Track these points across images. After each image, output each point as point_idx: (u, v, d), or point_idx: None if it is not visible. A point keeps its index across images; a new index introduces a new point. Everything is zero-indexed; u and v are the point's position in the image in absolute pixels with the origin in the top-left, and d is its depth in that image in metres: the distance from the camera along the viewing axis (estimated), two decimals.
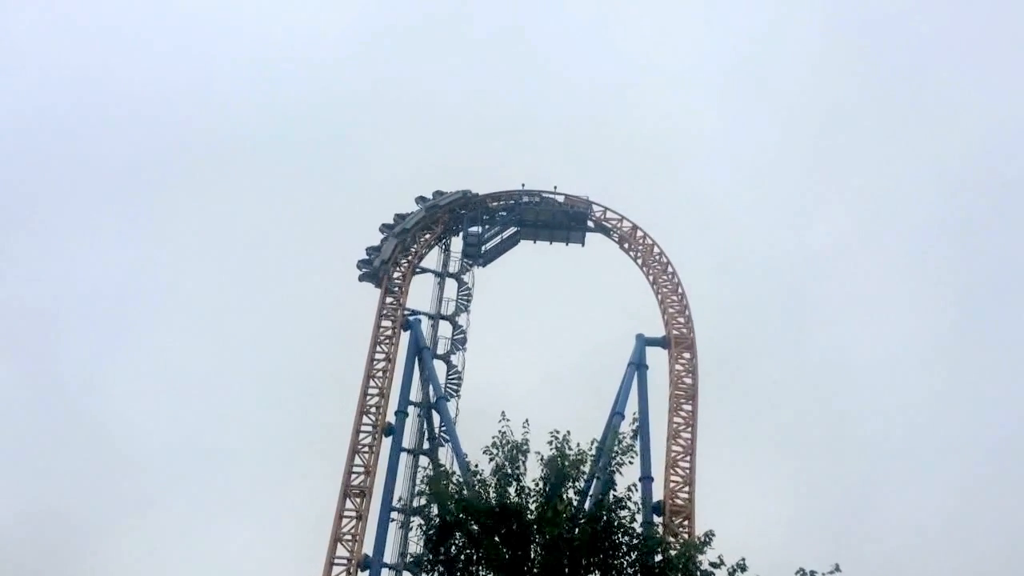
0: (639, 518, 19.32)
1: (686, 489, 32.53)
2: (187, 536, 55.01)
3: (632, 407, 32.65)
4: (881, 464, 56.72)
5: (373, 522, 32.63)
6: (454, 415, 36.41)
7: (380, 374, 35.65)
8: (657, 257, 39.61)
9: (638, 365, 35.48)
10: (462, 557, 19.02)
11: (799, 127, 76.17)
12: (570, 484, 19.19)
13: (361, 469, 33.34)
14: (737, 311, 63.01)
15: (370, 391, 35.18)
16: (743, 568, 18.24)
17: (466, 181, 42.49)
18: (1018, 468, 53.47)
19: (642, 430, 31.12)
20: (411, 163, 61.48)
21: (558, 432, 19.54)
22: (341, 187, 71.93)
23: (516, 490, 19.09)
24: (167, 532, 54.56)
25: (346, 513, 32.41)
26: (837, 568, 18.09)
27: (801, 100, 75.75)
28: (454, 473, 24.53)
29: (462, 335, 38.91)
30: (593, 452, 19.73)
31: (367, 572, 31.81)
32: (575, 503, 19.27)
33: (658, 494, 32.35)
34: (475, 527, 18.83)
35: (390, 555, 33.15)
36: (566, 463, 19.17)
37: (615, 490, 19.14)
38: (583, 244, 41.73)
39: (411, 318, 37.70)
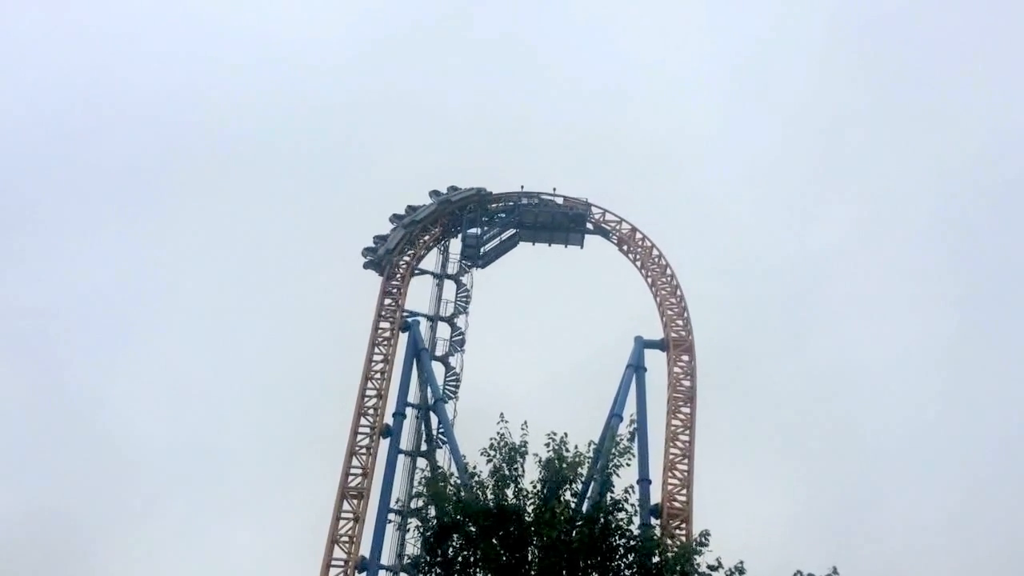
0: (637, 520, 19.27)
1: (684, 492, 32.51)
2: (186, 537, 55.12)
3: (630, 409, 32.62)
4: (882, 466, 56.75)
5: (371, 524, 32.65)
6: (452, 417, 36.39)
7: (378, 375, 35.66)
8: (656, 259, 39.59)
9: (636, 367, 35.48)
10: (460, 559, 18.96)
11: (801, 129, 76.33)
12: (568, 486, 19.15)
13: (359, 471, 33.33)
14: (738, 313, 63.09)
15: (368, 392, 35.18)
16: (741, 571, 18.21)
17: (468, 183, 42.47)
18: (1020, 469, 53.46)
19: (640, 432, 31.11)
20: (411, 166, 61.59)
21: (556, 434, 19.53)
22: (341, 189, 72.08)
23: (514, 492, 19.03)
24: (166, 533, 54.69)
25: (344, 515, 32.40)
26: (835, 571, 18.08)
27: (803, 102, 75.89)
28: (452, 475, 24.49)
29: (460, 337, 38.90)
30: (591, 454, 19.70)
31: (364, 574, 31.83)
32: (573, 505, 19.24)
33: (656, 496, 32.34)
34: (473, 529, 18.77)
35: (387, 557, 33.15)
36: (564, 465, 19.14)
37: (613, 492, 19.09)
38: (582, 246, 41.72)
39: (410, 319, 37.70)
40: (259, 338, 64.53)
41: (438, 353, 38.21)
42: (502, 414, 19.79)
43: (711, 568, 18.27)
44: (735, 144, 74.73)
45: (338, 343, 44.94)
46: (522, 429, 19.65)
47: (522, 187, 42.22)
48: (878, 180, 72.38)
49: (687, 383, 35.28)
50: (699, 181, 70.97)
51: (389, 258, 39.15)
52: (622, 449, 19.69)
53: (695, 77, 79.15)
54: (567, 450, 19.36)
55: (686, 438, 33.78)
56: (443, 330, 38.92)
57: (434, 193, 41.56)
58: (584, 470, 19.50)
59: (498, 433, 19.61)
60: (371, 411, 34.76)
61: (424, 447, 36.49)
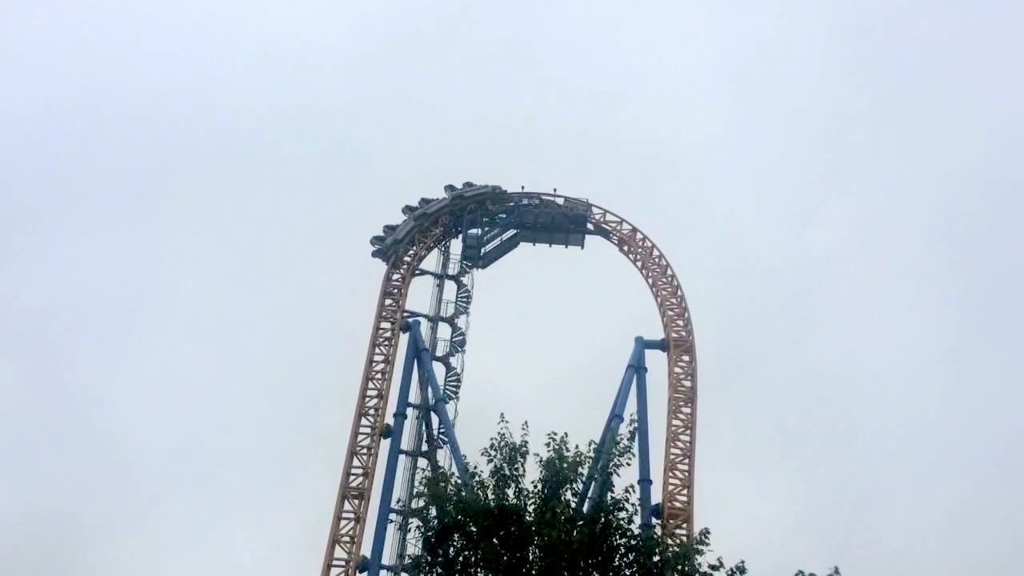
0: (637, 519, 19.28)
1: (685, 492, 32.53)
2: (186, 537, 55.15)
3: (631, 410, 32.58)
4: (883, 466, 56.82)
5: (371, 524, 32.67)
6: (453, 417, 36.38)
7: (379, 376, 35.68)
8: (656, 260, 39.60)
9: (637, 368, 35.48)
10: (460, 559, 18.96)
11: (802, 130, 76.31)
12: (568, 486, 19.16)
13: (360, 471, 33.36)
14: (739, 314, 63.14)
15: (369, 393, 35.20)
16: (742, 570, 18.19)
17: (472, 182, 42.45)
18: (1020, 470, 53.42)
19: (641, 433, 31.12)
20: (412, 166, 61.73)
21: (556, 434, 19.54)
22: (342, 190, 72.08)
23: (514, 492, 19.04)
24: (167, 533, 54.73)
25: (344, 515, 32.43)
26: (836, 571, 18.06)
27: (804, 103, 75.88)
28: (453, 475, 24.51)
29: (461, 337, 38.90)
30: (591, 454, 19.72)
31: (365, 574, 31.87)
32: (573, 505, 19.25)
33: (657, 497, 32.36)
34: (473, 529, 18.78)
35: (388, 557, 33.16)
36: (564, 465, 19.16)
37: (613, 492, 19.11)
38: (582, 246, 41.73)
39: (410, 320, 37.72)
40: (260, 338, 64.63)
41: (439, 353, 38.22)
42: (502, 414, 19.84)
43: (712, 568, 18.26)
44: (736, 145, 74.85)
45: (339, 343, 45.04)
46: (523, 429, 19.68)
47: (522, 187, 42.27)
48: (879, 181, 72.49)
49: (688, 383, 35.29)
50: (700, 182, 71.09)
51: (396, 248, 39.30)
52: (622, 449, 19.73)
53: (696, 78, 79.25)
54: (568, 450, 19.38)
55: (687, 438, 33.79)
56: (444, 330, 38.96)
57: (449, 188, 41.63)
58: (585, 470, 19.51)
59: (499, 433, 19.64)
60: (372, 411, 34.79)
61: (425, 447, 36.50)
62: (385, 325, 37.18)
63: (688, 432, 33.94)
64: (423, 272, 39.90)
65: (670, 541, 20.07)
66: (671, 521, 31.25)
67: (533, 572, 18.18)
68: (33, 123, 68.90)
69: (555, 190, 42.02)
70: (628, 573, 18.49)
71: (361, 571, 31.72)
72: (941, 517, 53.33)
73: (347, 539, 31.96)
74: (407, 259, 39.39)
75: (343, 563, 31.55)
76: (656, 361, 36.19)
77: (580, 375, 50.49)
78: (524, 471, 19.31)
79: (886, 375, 61.15)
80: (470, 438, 29.48)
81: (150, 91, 71.16)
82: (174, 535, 54.88)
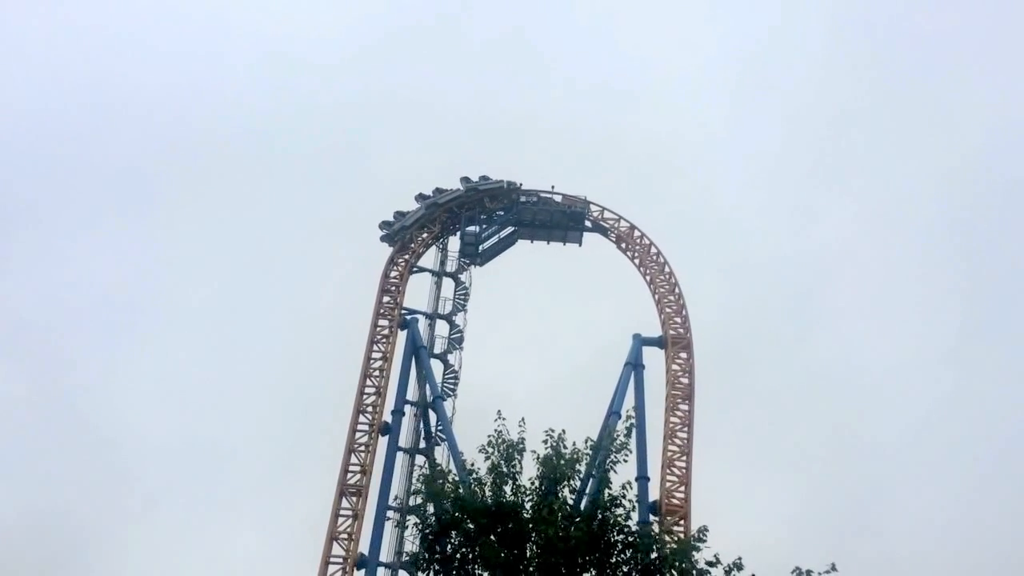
0: (635, 516, 19.30)
1: (682, 489, 32.55)
2: (186, 535, 55.22)
3: (629, 406, 32.48)
4: (883, 464, 56.77)
5: (369, 521, 32.68)
6: (450, 414, 36.42)
7: (377, 373, 35.68)
8: (654, 257, 39.59)
9: (635, 365, 35.48)
10: (458, 556, 18.98)
11: (803, 128, 76.43)
12: (566, 483, 19.18)
13: (357, 468, 33.38)
14: (740, 311, 63.32)
15: (367, 390, 35.21)
16: (739, 567, 18.21)
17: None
18: (1022, 469, 53.45)
19: (638, 430, 31.13)
20: (412, 164, 61.70)
21: (554, 431, 19.56)
22: (341, 187, 72.24)
23: (512, 489, 19.04)
24: (166, 531, 54.80)
25: (342, 512, 32.44)
26: (833, 568, 18.06)
27: (805, 101, 75.97)
28: (450, 472, 24.53)
29: (459, 334, 38.91)
30: (589, 451, 19.73)
31: (363, 571, 31.87)
32: (571, 502, 19.27)
33: (654, 494, 32.38)
34: (471, 526, 18.78)
35: (386, 554, 33.18)
36: (562, 462, 19.17)
37: (610, 488, 19.12)
38: (580, 244, 41.75)
39: (408, 317, 37.72)
40: (258, 336, 64.77)
41: (437, 351, 38.22)
42: (500, 411, 19.85)
43: (709, 564, 18.28)
44: (737, 142, 74.91)
45: (337, 341, 45.01)
46: (520, 426, 19.69)
47: (520, 185, 42.22)
48: (880, 178, 72.63)
49: (685, 380, 35.30)
50: (701, 179, 71.21)
51: (403, 233, 39.48)
52: (619, 445, 19.73)
53: (697, 76, 79.36)
54: (565, 447, 19.40)
55: (684, 435, 33.81)
56: (442, 328, 38.97)
57: (464, 180, 41.69)
58: (582, 467, 19.53)
59: (496, 430, 19.66)
60: (370, 408, 34.79)
61: (423, 444, 36.50)
62: (383, 322, 37.17)
63: (686, 429, 33.96)
64: (421, 269, 39.91)
65: (667, 538, 19.99)
66: (668, 518, 31.23)
67: (531, 569, 18.19)
68: (33, 121, 69.08)
69: (552, 187, 42.08)
70: (625, 570, 18.51)
71: (359, 568, 31.72)
72: (941, 515, 53.42)
73: (345, 536, 31.97)
74: (405, 257, 39.37)
75: (341, 560, 31.57)
76: (654, 358, 36.25)
77: (578, 372, 50.66)
78: (522, 468, 19.33)
79: (886, 372, 61.30)
80: (468, 435, 29.54)
81: (149, 89, 71.36)
82: (174, 533, 55.01)
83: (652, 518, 30.63)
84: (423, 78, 75.89)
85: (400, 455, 35.29)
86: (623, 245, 40.64)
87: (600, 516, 18.75)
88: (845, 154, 73.53)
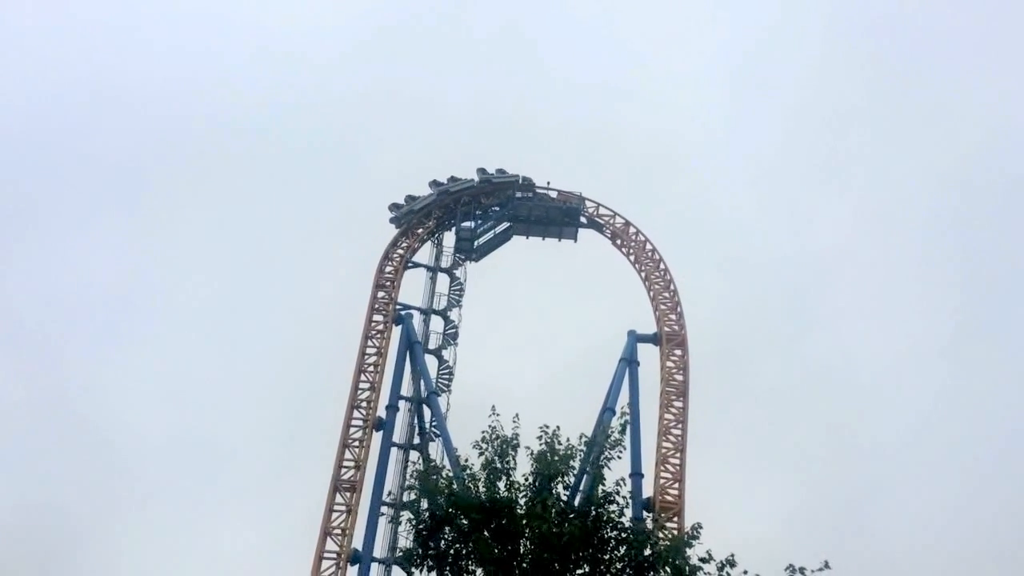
0: (628, 512, 19.31)
1: (676, 485, 32.56)
2: (180, 530, 55.09)
3: (623, 403, 32.52)
4: (879, 463, 56.71)
5: (363, 516, 32.67)
6: (445, 410, 36.42)
7: (371, 368, 35.66)
8: (649, 254, 39.61)
9: (629, 361, 35.48)
10: (452, 552, 19.01)
11: (802, 126, 76.33)
12: (560, 479, 19.19)
13: (352, 463, 33.36)
14: (737, 309, 63.30)
15: (361, 385, 35.20)
16: (732, 563, 18.25)
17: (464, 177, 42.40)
18: (1019, 468, 53.45)
19: (633, 426, 31.11)
20: (408, 160, 61.37)
21: (548, 427, 19.57)
22: (337, 184, 72.03)
23: (506, 485, 19.07)
24: (161, 527, 54.59)
25: (336, 507, 32.44)
26: (826, 565, 18.10)
27: (804, 100, 75.82)
28: (444, 468, 24.55)
29: (454, 330, 38.92)
30: (583, 447, 19.74)
31: (357, 566, 31.85)
32: (565, 498, 19.28)
33: (648, 490, 32.40)
34: (465, 522, 18.81)
35: (380, 549, 33.16)
36: (556, 458, 19.18)
37: (604, 485, 19.13)
38: (576, 240, 41.71)
39: (403, 312, 37.70)
40: (253, 331, 64.59)
41: (431, 346, 38.23)
42: (494, 407, 19.87)
43: (702, 561, 18.32)
44: (735, 140, 74.83)
45: (333, 336, 44.89)
46: (514, 422, 19.70)
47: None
48: (878, 177, 72.55)
49: (680, 377, 35.33)
50: (699, 177, 71.09)
51: (411, 218, 39.77)
52: (613, 442, 19.76)
53: (696, 74, 79.18)
54: (559, 443, 19.40)
55: (678, 432, 33.84)
56: (436, 323, 38.98)
57: (481, 171, 41.79)
58: (576, 463, 19.55)
59: (490, 426, 19.68)
60: (364, 404, 34.77)
61: (417, 440, 36.49)
62: (378, 318, 37.15)
63: (680, 426, 33.99)
64: (416, 265, 39.87)
65: (661, 535, 20.01)
66: (662, 515, 31.18)
67: (524, 565, 18.21)
68: (29, 117, 68.74)
69: (548, 183, 42.04)
70: (619, 566, 18.54)
71: (352, 563, 31.71)
72: (939, 514, 53.32)
73: (338, 531, 31.96)
74: (400, 252, 39.37)
75: (334, 555, 31.57)
76: (649, 355, 36.25)
77: (572, 368, 50.61)
78: (515, 464, 19.34)
79: (883, 371, 61.26)
80: (462, 431, 29.58)
81: (146, 85, 71.11)
82: (169, 529, 54.87)
83: (646, 515, 30.58)
84: (421, 75, 75.81)
85: (394, 451, 35.25)
86: (618, 241, 40.64)
87: (594, 512, 18.79)
88: (843, 153, 73.52)
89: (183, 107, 71.34)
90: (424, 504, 19.79)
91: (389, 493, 33.94)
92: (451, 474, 20.92)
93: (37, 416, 56.60)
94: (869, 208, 71.10)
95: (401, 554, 30.14)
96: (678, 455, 33.30)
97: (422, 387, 36.48)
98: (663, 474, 32.80)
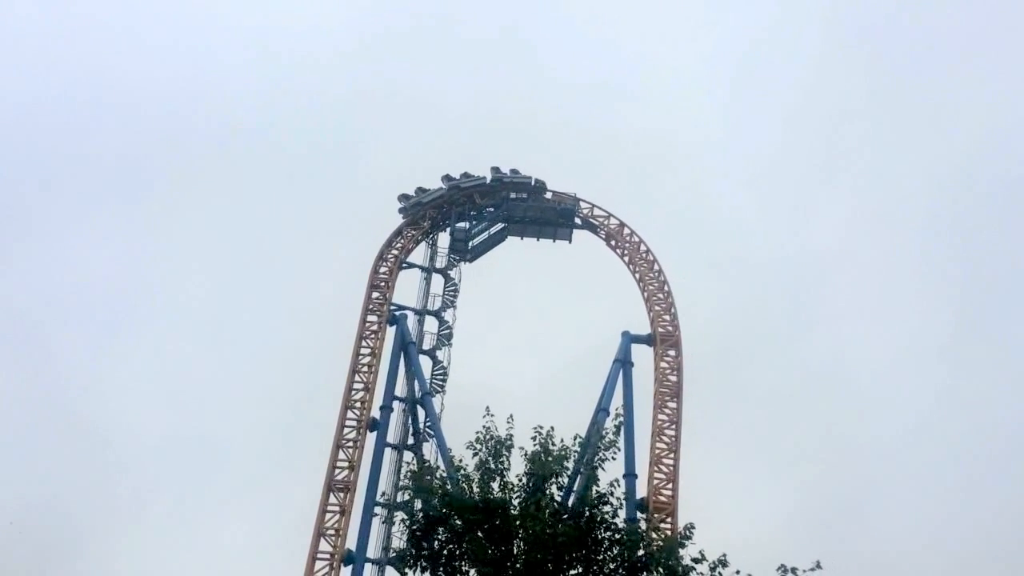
0: (622, 513, 19.34)
1: (670, 486, 32.59)
2: (176, 530, 55.10)
3: (617, 404, 32.62)
4: (876, 464, 56.83)
5: (357, 517, 32.63)
6: (439, 410, 36.47)
7: (365, 369, 35.63)
8: (644, 255, 39.62)
9: (623, 362, 35.50)
10: (445, 552, 19.02)
11: (799, 127, 76.40)
12: (553, 480, 19.21)
13: (345, 464, 33.31)
14: (734, 310, 63.42)
15: (355, 386, 35.16)
16: (724, 563, 18.29)
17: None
18: (1015, 468, 53.54)
19: (626, 427, 31.14)
20: (405, 162, 61.44)
21: (542, 428, 19.59)
22: (333, 184, 72.13)
23: (500, 486, 19.09)
24: (156, 527, 54.66)
25: (330, 508, 32.38)
26: (818, 565, 18.14)
27: (802, 100, 75.90)
28: (438, 468, 24.57)
29: (448, 331, 38.93)
30: (577, 448, 19.77)
31: (350, 567, 31.82)
32: (558, 499, 19.30)
33: (642, 491, 32.42)
34: (458, 522, 18.83)
35: (373, 550, 33.18)
36: (550, 459, 19.20)
37: (598, 486, 19.16)
38: (570, 241, 41.70)
39: (397, 313, 37.69)
40: (248, 331, 64.67)
41: (425, 347, 38.23)
42: (488, 408, 19.88)
43: (695, 561, 18.35)
44: (733, 141, 74.98)
45: (328, 337, 44.92)
46: (508, 423, 19.71)
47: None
48: (875, 177, 72.66)
49: (673, 378, 35.34)
50: (696, 178, 71.21)
51: (418, 210, 40.03)
52: (607, 443, 19.78)
53: (694, 74, 79.34)
54: (553, 444, 19.43)
55: (672, 433, 33.86)
56: (431, 324, 38.98)
57: (495, 170, 41.87)
58: (570, 464, 19.57)
59: (484, 427, 19.69)
60: (358, 404, 34.72)
61: (411, 440, 36.51)
62: (372, 318, 37.13)
63: (673, 427, 34.01)
64: (410, 265, 39.85)
65: (654, 535, 20.05)
66: (656, 515, 31.27)
67: (518, 565, 18.22)
68: (26, 114, 68.69)
69: (544, 184, 42.03)
70: (612, 567, 18.57)
71: (346, 564, 31.67)
72: (936, 514, 53.42)
73: (332, 532, 31.92)
74: (394, 253, 39.37)
75: (328, 556, 31.52)
76: (643, 356, 36.29)
77: (567, 369, 50.62)
78: (509, 465, 19.37)
79: (881, 371, 61.34)
80: (456, 432, 29.48)
81: (144, 84, 71.06)
82: (164, 529, 54.91)
83: (639, 515, 30.65)
84: (418, 75, 75.87)
85: (388, 451, 35.26)
86: (612, 242, 40.67)
87: (587, 513, 18.82)
88: (841, 153, 73.61)
89: (182, 106, 71.48)
90: (418, 504, 19.80)
91: (383, 493, 33.93)
92: (445, 474, 20.90)
93: (35, 415, 56.63)
94: (867, 208, 71.31)
95: (395, 554, 30.31)
96: (672, 456, 33.31)
97: (416, 388, 36.49)
98: (656, 475, 32.82)
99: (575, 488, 20.60)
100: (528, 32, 79.58)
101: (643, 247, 39.89)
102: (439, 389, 37.60)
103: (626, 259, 39.98)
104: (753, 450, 56.57)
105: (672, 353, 36.04)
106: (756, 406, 57.67)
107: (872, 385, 60.32)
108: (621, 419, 21.77)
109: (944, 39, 74.50)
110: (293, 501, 40.17)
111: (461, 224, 41.08)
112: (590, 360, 38.76)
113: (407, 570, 19.60)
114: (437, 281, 39.93)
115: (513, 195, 41.62)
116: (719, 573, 18.19)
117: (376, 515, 33.29)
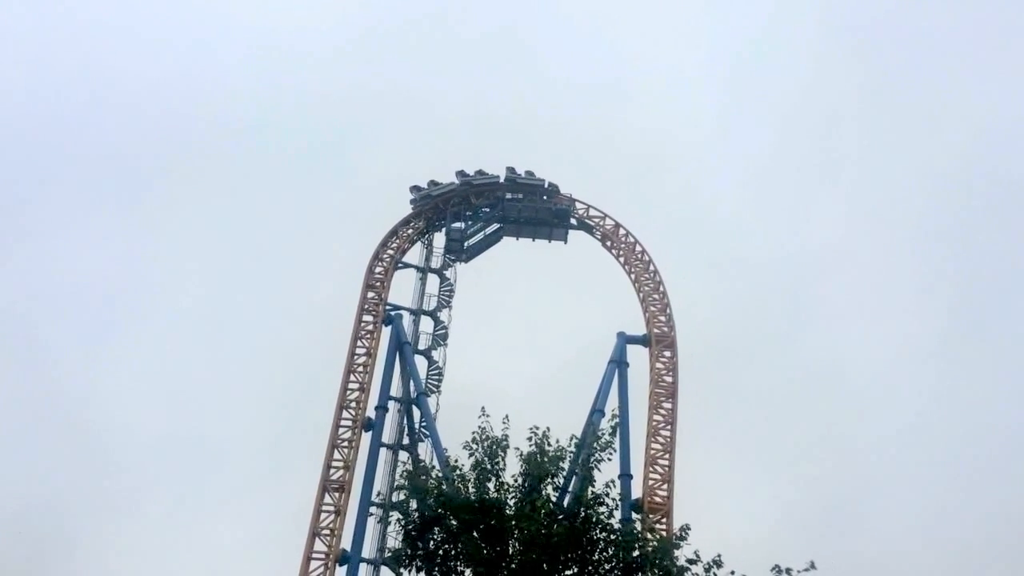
0: (617, 514, 19.34)
1: (665, 487, 32.59)
2: (171, 530, 55.02)
3: (612, 404, 32.61)
4: (871, 464, 56.93)
5: (352, 517, 32.61)
6: (434, 411, 36.44)
7: (360, 369, 35.60)
8: (639, 255, 39.63)
9: (619, 363, 35.50)
10: (440, 552, 19.02)
11: (795, 127, 76.43)
12: (549, 480, 19.21)
13: (340, 464, 33.28)
14: (730, 310, 63.48)
15: (350, 386, 35.12)
16: (719, 564, 18.31)
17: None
18: (1010, 467, 53.64)
19: (622, 427, 31.16)
20: (401, 161, 61.35)
21: (537, 428, 19.59)
22: (330, 183, 72.11)
23: (495, 486, 19.09)
24: (151, 527, 54.56)
25: (325, 508, 32.36)
26: (812, 565, 18.15)
27: (798, 100, 76.03)
28: (433, 468, 24.56)
29: (443, 331, 38.93)
30: (572, 448, 19.77)
31: (345, 567, 31.80)
32: (554, 499, 19.30)
33: (637, 491, 32.43)
34: (454, 522, 18.83)
35: (368, 550, 33.12)
36: (545, 459, 19.20)
37: (593, 486, 19.17)
38: (566, 241, 41.70)
39: (392, 313, 37.65)
40: (245, 332, 64.56)
41: (421, 347, 38.22)
42: (483, 408, 19.87)
43: (689, 562, 18.37)
44: (729, 141, 75.05)
45: (323, 336, 44.90)
46: (504, 423, 19.72)
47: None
48: (871, 178, 72.75)
49: (669, 379, 35.34)
50: (692, 178, 71.36)
51: (427, 202, 40.26)
52: (603, 443, 19.79)
53: (690, 74, 79.24)
54: (549, 444, 19.43)
55: (668, 433, 33.86)
56: (426, 324, 38.99)
57: (510, 170, 41.85)
58: (565, 464, 19.57)
59: (480, 427, 19.69)
60: (353, 404, 34.69)
61: (406, 441, 36.47)
62: (367, 318, 37.08)
63: (669, 427, 34.01)
64: (406, 265, 39.83)
65: (650, 536, 20.06)
66: (651, 516, 31.25)
67: (513, 566, 18.22)
68: (23, 114, 68.56)
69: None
70: (608, 567, 18.58)
71: (341, 564, 31.65)
72: (933, 513, 53.54)
73: (327, 532, 31.90)
74: (389, 253, 39.36)
75: (323, 556, 31.51)
76: (638, 356, 36.25)
77: (562, 369, 50.66)
78: (505, 465, 19.36)
79: (877, 371, 61.42)
80: (451, 432, 29.58)
81: (141, 83, 70.90)
82: (159, 529, 54.81)
83: (634, 516, 30.65)
84: (416, 74, 75.82)
85: (383, 451, 35.23)
86: (608, 243, 40.67)
87: (583, 513, 18.81)
88: (837, 153, 73.72)
89: (178, 105, 71.29)
90: (413, 504, 19.79)
91: (378, 494, 33.94)
92: (440, 474, 20.89)
93: (31, 414, 56.49)
94: (863, 208, 71.43)
95: (390, 555, 30.20)
96: (667, 456, 33.31)
97: (411, 388, 36.46)
98: (652, 475, 32.81)
99: (571, 488, 20.60)
100: (526, 32, 79.68)
101: (639, 248, 39.91)
102: (434, 389, 37.60)
103: (621, 260, 39.99)
104: (749, 450, 56.67)
105: (667, 354, 36.04)
106: (752, 406, 57.77)
107: (869, 384, 60.51)
108: (617, 420, 21.78)
109: (941, 39, 74.77)
110: (288, 501, 40.14)
111: (457, 224, 41.11)
112: (585, 360, 38.82)
113: (402, 570, 19.57)
114: (433, 281, 39.93)
115: (509, 195, 41.63)
116: (714, 574, 18.22)
117: (371, 515, 33.27)
